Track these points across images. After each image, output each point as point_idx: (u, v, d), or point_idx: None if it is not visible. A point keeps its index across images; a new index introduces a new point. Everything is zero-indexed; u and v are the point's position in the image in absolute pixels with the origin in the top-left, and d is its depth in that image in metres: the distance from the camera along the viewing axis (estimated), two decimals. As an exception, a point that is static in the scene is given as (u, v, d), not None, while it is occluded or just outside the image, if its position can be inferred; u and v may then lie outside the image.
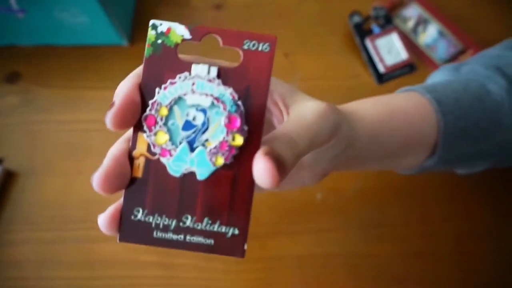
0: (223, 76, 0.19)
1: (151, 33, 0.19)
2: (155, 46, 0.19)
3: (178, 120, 0.19)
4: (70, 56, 0.52)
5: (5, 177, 0.45)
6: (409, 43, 0.51)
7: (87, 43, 0.52)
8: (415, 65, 0.50)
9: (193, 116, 0.19)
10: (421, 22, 0.52)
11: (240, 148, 0.19)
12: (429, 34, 0.51)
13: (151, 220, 0.19)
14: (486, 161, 0.36)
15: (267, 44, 0.19)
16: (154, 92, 0.19)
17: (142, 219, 0.19)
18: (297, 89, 0.26)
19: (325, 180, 0.45)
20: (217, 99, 0.19)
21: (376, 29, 0.51)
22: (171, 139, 0.19)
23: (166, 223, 0.19)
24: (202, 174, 0.19)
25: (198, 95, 0.19)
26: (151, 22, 0.19)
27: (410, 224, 0.43)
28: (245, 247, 0.19)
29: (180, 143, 0.19)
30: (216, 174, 0.19)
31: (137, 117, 0.20)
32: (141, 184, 0.20)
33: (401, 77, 0.50)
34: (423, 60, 0.51)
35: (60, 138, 0.47)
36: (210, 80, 0.19)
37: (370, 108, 0.31)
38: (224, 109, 0.19)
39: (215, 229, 0.19)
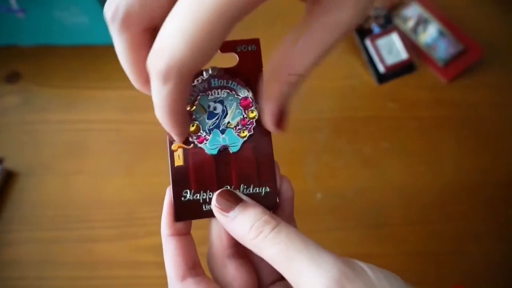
0: (229, 73, 0.24)
1: None
2: None
3: (203, 113, 0.23)
4: (70, 56, 0.52)
5: (5, 177, 0.45)
6: (409, 43, 0.51)
7: (87, 43, 0.52)
8: (415, 65, 0.50)
9: (213, 107, 0.24)
10: (421, 22, 0.52)
11: (256, 122, 0.23)
12: (429, 34, 0.51)
13: (198, 197, 0.23)
14: None
15: (253, 45, 0.24)
16: None
17: (191, 198, 0.23)
18: None
19: (325, 180, 0.45)
20: (230, 89, 0.24)
21: (376, 29, 0.51)
22: (202, 128, 0.23)
23: (211, 196, 0.23)
24: (234, 147, 0.23)
25: (214, 90, 0.24)
26: None
27: (410, 224, 0.43)
28: (277, 200, 0.23)
29: (209, 129, 0.23)
30: (241, 148, 0.23)
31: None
32: (184, 170, 0.23)
33: (401, 77, 0.50)
34: (423, 60, 0.51)
35: (60, 138, 0.47)
36: (220, 76, 0.24)
37: None
38: (237, 95, 0.24)
39: (251, 191, 0.23)
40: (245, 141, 0.23)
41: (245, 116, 0.24)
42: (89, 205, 0.44)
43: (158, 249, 0.42)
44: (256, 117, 0.24)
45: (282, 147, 0.47)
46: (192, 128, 0.23)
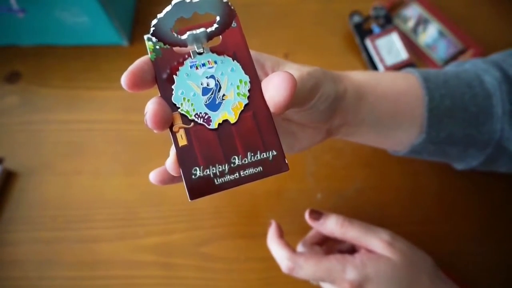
0: (214, 51, 0.25)
1: (149, 44, 0.24)
2: (156, 52, 0.25)
3: (197, 90, 0.24)
4: (70, 56, 0.52)
5: (5, 177, 0.45)
6: (409, 43, 0.51)
7: (87, 43, 0.52)
8: (415, 65, 0.50)
9: (206, 83, 0.24)
10: (421, 22, 0.52)
11: (249, 90, 0.24)
12: (429, 34, 0.51)
13: (208, 172, 0.23)
14: (479, 152, 0.36)
15: (234, 23, 0.25)
16: (169, 86, 0.24)
17: (202, 174, 0.23)
18: (286, 61, 0.29)
19: (325, 180, 0.45)
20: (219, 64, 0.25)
21: (376, 29, 0.51)
22: (199, 104, 0.24)
23: (221, 169, 0.23)
24: (233, 118, 0.24)
25: (203, 66, 0.24)
26: (146, 36, 0.24)
27: (410, 224, 0.43)
28: (286, 161, 0.24)
29: (206, 105, 0.24)
30: (240, 118, 0.24)
31: (148, 81, 0.24)
32: (189, 149, 0.23)
33: (401, 77, 0.50)
34: (423, 60, 0.51)
35: (60, 138, 0.48)
36: (207, 53, 0.25)
37: (358, 73, 0.34)
38: (227, 68, 0.24)
39: (259, 157, 0.24)
40: (242, 110, 0.24)
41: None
42: (89, 205, 0.44)
43: (158, 249, 0.42)
44: (249, 86, 0.24)
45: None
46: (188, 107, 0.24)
